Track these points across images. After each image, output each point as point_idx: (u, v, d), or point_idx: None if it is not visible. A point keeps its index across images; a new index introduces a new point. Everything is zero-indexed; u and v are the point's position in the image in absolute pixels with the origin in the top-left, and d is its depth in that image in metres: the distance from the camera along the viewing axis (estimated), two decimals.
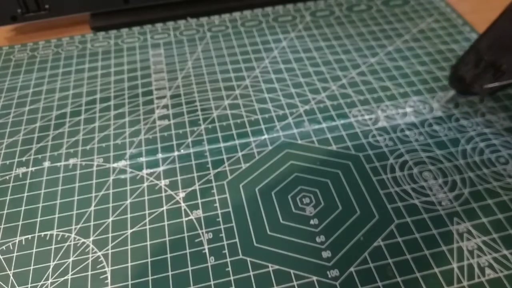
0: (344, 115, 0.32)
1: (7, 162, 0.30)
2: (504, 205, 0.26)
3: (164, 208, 0.27)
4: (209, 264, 0.24)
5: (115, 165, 0.30)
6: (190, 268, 0.24)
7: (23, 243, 0.26)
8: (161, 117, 0.33)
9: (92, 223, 0.26)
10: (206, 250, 0.25)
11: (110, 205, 0.27)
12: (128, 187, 0.28)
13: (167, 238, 0.25)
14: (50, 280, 0.24)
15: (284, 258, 0.24)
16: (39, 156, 0.31)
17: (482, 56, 0.25)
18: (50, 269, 0.24)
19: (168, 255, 0.25)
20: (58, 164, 0.30)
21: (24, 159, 0.30)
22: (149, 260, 0.24)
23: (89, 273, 0.24)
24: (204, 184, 0.28)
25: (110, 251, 0.25)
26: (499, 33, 0.24)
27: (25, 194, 0.28)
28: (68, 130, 0.32)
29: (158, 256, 0.25)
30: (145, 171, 0.29)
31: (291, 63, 0.38)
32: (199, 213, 0.27)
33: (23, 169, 0.30)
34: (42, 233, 0.26)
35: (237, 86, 0.36)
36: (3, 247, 0.25)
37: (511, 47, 0.24)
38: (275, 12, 0.45)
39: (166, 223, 0.26)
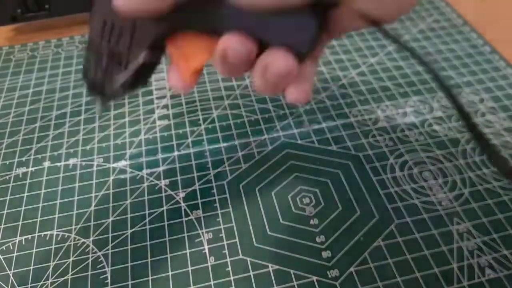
0: (344, 115, 0.32)
1: (7, 162, 0.30)
2: (504, 205, 0.26)
3: (164, 208, 0.27)
4: (209, 264, 0.24)
5: (115, 165, 0.30)
6: (190, 268, 0.24)
7: (23, 243, 0.26)
8: (161, 117, 0.33)
9: (92, 223, 0.26)
10: (206, 250, 0.25)
11: (110, 205, 0.27)
12: (128, 187, 0.28)
13: (167, 238, 0.25)
14: (50, 280, 0.24)
15: (284, 258, 0.24)
16: (39, 156, 0.31)
17: (99, 51, 0.23)
18: (50, 269, 0.24)
19: (168, 255, 0.25)
20: (58, 164, 0.30)
21: (24, 159, 0.30)
22: (149, 260, 0.24)
23: (89, 273, 0.24)
24: (204, 184, 0.28)
25: (110, 251, 0.25)
26: (102, 18, 0.22)
27: (25, 194, 0.28)
28: (68, 130, 0.32)
29: (158, 256, 0.25)
30: (145, 171, 0.29)
31: None
32: (199, 213, 0.27)
33: (23, 169, 0.30)
34: (42, 233, 0.26)
35: (237, 86, 0.36)
36: (3, 247, 0.25)
37: (120, 32, 0.21)
38: None
39: (166, 223, 0.26)
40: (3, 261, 0.25)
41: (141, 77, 0.23)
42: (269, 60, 0.19)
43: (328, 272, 0.24)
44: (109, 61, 0.23)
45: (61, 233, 0.26)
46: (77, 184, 0.29)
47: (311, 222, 0.26)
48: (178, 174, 0.29)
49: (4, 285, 0.24)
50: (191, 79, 0.21)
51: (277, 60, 0.19)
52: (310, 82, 0.21)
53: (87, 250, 0.25)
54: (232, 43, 0.19)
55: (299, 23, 0.19)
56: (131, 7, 0.19)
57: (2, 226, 0.26)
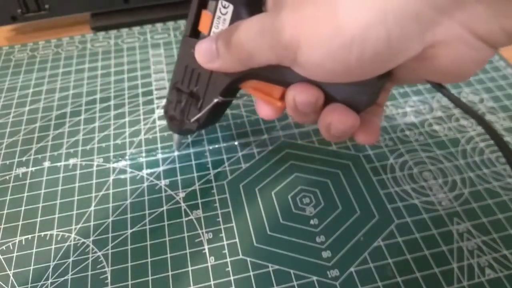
0: None
1: (7, 162, 0.30)
2: (504, 205, 0.26)
3: (164, 208, 0.27)
4: (209, 264, 0.24)
5: (115, 165, 0.30)
6: (190, 268, 0.24)
7: (23, 243, 0.26)
8: (161, 117, 0.33)
9: (92, 223, 0.26)
10: (206, 250, 0.25)
11: (110, 205, 0.27)
12: (128, 187, 0.28)
13: (167, 238, 0.25)
14: (50, 280, 0.24)
15: (284, 258, 0.24)
16: (39, 156, 0.31)
17: (181, 90, 0.26)
18: (50, 269, 0.24)
19: (168, 255, 0.25)
20: (58, 164, 0.30)
21: (24, 159, 0.30)
22: (149, 260, 0.24)
23: (89, 273, 0.24)
24: (204, 184, 0.28)
25: (110, 251, 0.25)
26: (184, 64, 0.25)
27: (25, 194, 0.28)
28: (68, 130, 0.32)
29: (158, 256, 0.25)
30: (145, 171, 0.29)
31: None
32: (199, 213, 0.27)
33: (23, 169, 0.30)
34: (42, 233, 0.26)
35: None
36: (3, 247, 0.25)
37: (200, 76, 0.24)
38: None
39: (166, 223, 0.26)
40: (3, 261, 0.25)
41: (214, 115, 0.27)
42: (333, 118, 0.21)
43: (328, 272, 0.24)
44: (187, 101, 0.26)
45: (61, 233, 0.26)
46: (77, 184, 0.29)
47: (311, 222, 0.26)
48: (178, 174, 0.29)
49: (4, 285, 0.24)
50: (281, 108, 0.23)
51: (339, 118, 0.20)
52: (376, 125, 0.22)
53: (87, 250, 0.25)
54: (300, 91, 0.20)
55: (361, 86, 0.20)
56: (210, 66, 0.22)
57: (2, 226, 0.26)
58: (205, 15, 0.22)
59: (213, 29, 0.22)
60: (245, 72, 0.21)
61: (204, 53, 0.21)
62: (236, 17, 0.21)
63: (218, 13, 0.21)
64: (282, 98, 0.22)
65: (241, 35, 0.19)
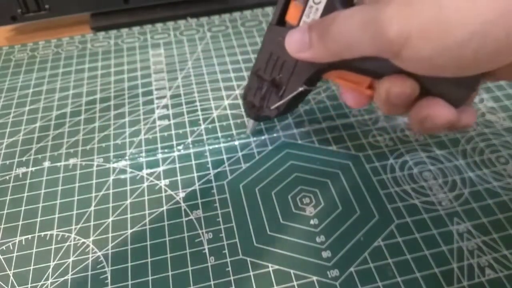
0: (344, 115, 0.32)
1: (7, 162, 0.30)
2: (504, 205, 0.26)
3: (164, 208, 0.27)
4: (209, 264, 0.24)
5: (115, 165, 0.30)
6: (190, 268, 0.24)
7: (23, 243, 0.26)
8: (161, 117, 0.33)
9: (92, 223, 0.26)
10: (206, 250, 0.25)
11: (110, 205, 0.27)
12: (128, 187, 0.28)
13: (167, 238, 0.25)
14: (50, 280, 0.24)
15: (284, 258, 0.24)
16: (39, 156, 0.31)
17: (262, 77, 0.26)
18: (50, 269, 0.24)
19: (168, 255, 0.25)
20: (58, 164, 0.30)
21: (24, 159, 0.30)
22: (149, 260, 0.24)
23: (89, 273, 0.24)
24: (204, 184, 0.28)
25: (110, 251, 0.25)
26: (269, 52, 0.25)
27: (25, 194, 0.28)
28: (68, 130, 0.32)
29: (158, 256, 0.25)
30: (145, 171, 0.29)
31: None
32: (199, 213, 0.27)
33: (23, 169, 0.30)
34: (42, 233, 0.26)
35: (237, 86, 0.36)
36: (3, 247, 0.25)
37: (284, 64, 0.25)
38: None
39: (166, 223, 0.26)
40: (3, 261, 0.25)
41: (293, 103, 0.27)
42: (431, 111, 0.20)
43: (328, 272, 0.24)
44: (268, 88, 0.26)
45: (61, 233, 0.26)
46: (77, 184, 0.29)
47: (311, 222, 0.26)
48: (178, 174, 0.29)
49: (4, 285, 0.24)
50: (370, 96, 0.23)
51: (438, 112, 0.20)
52: (471, 113, 0.22)
53: (87, 250, 0.25)
54: (396, 83, 0.20)
55: (463, 81, 0.19)
56: (300, 55, 0.22)
57: (2, 226, 0.26)
58: (294, 3, 0.22)
59: (304, 18, 0.22)
60: (334, 62, 0.21)
61: (295, 43, 0.22)
62: (329, 8, 0.21)
63: (310, 3, 0.21)
64: (369, 87, 0.22)
65: (340, 26, 0.19)
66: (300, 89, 0.24)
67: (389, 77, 0.21)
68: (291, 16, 0.23)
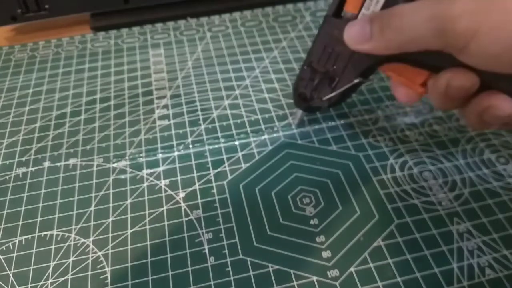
0: (344, 115, 0.32)
1: (7, 162, 0.30)
2: (504, 205, 0.26)
3: (164, 208, 0.27)
4: (209, 264, 0.24)
5: (115, 165, 0.30)
6: (190, 268, 0.24)
7: (23, 243, 0.26)
8: (161, 117, 0.33)
9: (92, 223, 0.26)
10: (206, 250, 0.25)
11: (110, 205, 0.27)
12: (128, 187, 0.28)
13: (167, 238, 0.25)
14: (50, 280, 0.24)
15: (284, 258, 0.24)
16: (39, 156, 0.31)
17: (316, 69, 0.26)
18: (50, 269, 0.24)
19: (168, 255, 0.25)
20: (58, 164, 0.30)
21: (24, 159, 0.30)
22: (149, 260, 0.24)
23: (89, 273, 0.24)
24: (204, 184, 0.28)
25: (110, 251, 0.25)
26: (324, 44, 0.25)
27: (25, 194, 0.28)
28: (68, 130, 0.32)
29: (158, 256, 0.25)
30: (145, 171, 0.29)
31: (291, 63, 0.38)
32: (199, 213, 0.27)
33: (23, 169, 0.30)
34: (42, 233, 0.26)
35: (237, 86, 0.36)
36: (3, 247, 0.25)
37: (339, 56, 0.25)
38: (275, 12, 0.45)
39: (166, 223, 0.26)
40: (3, 261, 0.25)
41: (345, 95, 0.27)
42: (493, 102, 0.21)
43: (328, 272, 0.24)
44: (321, 79, 0.26)
45: (61, 233, 0.26)
46: (77, 184, 0.29)
47: (311, 222, 0.26)
48: (178, 174, 0.29)
49: (4, 285, 0.24)
50: (422, 94, 0.23)
51: (500, 105, 0.20)
52: None
53: (87, 250, 0.25)
54: (457, 76, 0.20)
55: None
56: (359, 47, 0.22)
57: (2, 226, 0.26)
58: None
59: (363, 11, 0.22)
60: (393, 55, 0.21)
61: (355, 34, 0.22)
62: (390, 1, 0.21)
63: None
64: (423, 84, 0.23)
65: (405, 20, 0.20)
66: (356, 81, 0.25)
67: (451, 70, 0.21)
68: (351, 6, 0.23)
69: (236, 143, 0.31)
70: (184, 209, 0.27)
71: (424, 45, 0.20)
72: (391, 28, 0.20)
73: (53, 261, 0.25)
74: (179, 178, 0.29)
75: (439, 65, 0.21)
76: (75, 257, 0.25)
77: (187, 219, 0.26)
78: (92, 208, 0.27)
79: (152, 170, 0.29)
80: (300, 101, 0.29)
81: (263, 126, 0.32)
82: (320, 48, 0.25)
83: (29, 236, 0.26)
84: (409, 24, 0.20)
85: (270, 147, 0.30)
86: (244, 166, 0.29)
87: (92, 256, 0.25)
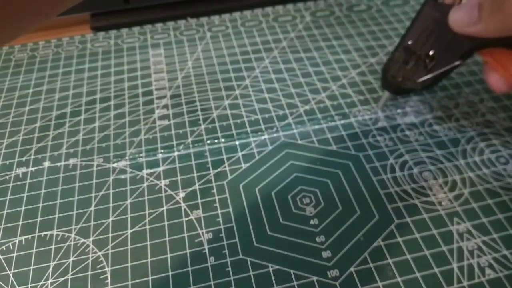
0: (344, 115, 0.32)
1: (7, 162, 0.30)
2: (504, 205, 0.26)
3: (164, 208, 0.27)
4: (209, 264, 0.24)
5: (115, 165, 0.30)
6: (190, 268, 0.24)
7: (23, 243, 0.26)
8: (161, 117, 0.33)
9: (92, 223, 0.26)
10: (206, 250, 0.25)
11: (110, 205, 0.27)
12: (128, 187, 0.28)
13: (167, 238, 0.25)
14: (50, 280, 0.24)
15: (284, 258, 0.24)
16: (39, 156, 0.31)
17: (412, 51, 0.27)
18: (50, 269, 0.24)
19: (168, 255, 0.25)
20: (58, 164, 0.30)
21: (24, 159, 0.30)
22: (149, 260, 0.24)
23: (89, 273, 0.24)
24: (204, 184, 0.28)
25: (110, 251, 0.25)
26: (423, 26, 0.26)
27: (25, 194, 0.28)
28: (68, 130, 0.32)
29: (158, 256, 0.25)
30: (145, 171, 0.29)
31: (291, 63, 0.38)
32: (199, 213, 0.27)
33: (23, 169, 0.30)
34: (42, 233, 0.26)
35: (237, 86, 0.36)
36: (3, 247, 0.25)
37: (438, 39, 0.25)
38: (275, 12, 0.45)
39: (166, 223, 0.26)
40: (3, 261, 0.25)
41: (440, 78, 0.27)
42: None
43: (328, 272, 0.24)
44: (417, 61, 0.26)
45: (61, 233, 0.26)
46: (77, 184, 0.29)
47: (311, 222, 0.26)
48: (178, 174, 0.29)
49: (4, 285, 0.24)
50: (509, 84, 0.24)
51: None
52: None
53: (87, 250, 0.25)
54: None
55: None
56: (466, 30, 0.22)
57: (2, 226, 0.26)
58: None
59: None
60: (498, 39, 0.21)
61: (462, 17, 0.22)
62: None
63: None
64: None
65: None
66: (456, 63, 0.25)
67: None
68: None
69: (236, 143, 0.31)
70: (184, 209, 0.27)
71: None
72: (503, 10, 0.20)
73: (53, 261, 0.25)
74: (179, 178, 0.29)
75: None
76: (75, 257, 0.25)
77: (187, 219, 0.26)
78: (92, 208, 0.27)
79: (152, 170, 0.29)
80: (390, 83, 0.29)
81: (263, 126, 0.32)
82: (418, 30, 0.26)
83: (29, 236, 0.26)
84: None
85: (270, 147, 0.30)
86: (244, 166, 0.29)
87: (92, 256, 0.25)
